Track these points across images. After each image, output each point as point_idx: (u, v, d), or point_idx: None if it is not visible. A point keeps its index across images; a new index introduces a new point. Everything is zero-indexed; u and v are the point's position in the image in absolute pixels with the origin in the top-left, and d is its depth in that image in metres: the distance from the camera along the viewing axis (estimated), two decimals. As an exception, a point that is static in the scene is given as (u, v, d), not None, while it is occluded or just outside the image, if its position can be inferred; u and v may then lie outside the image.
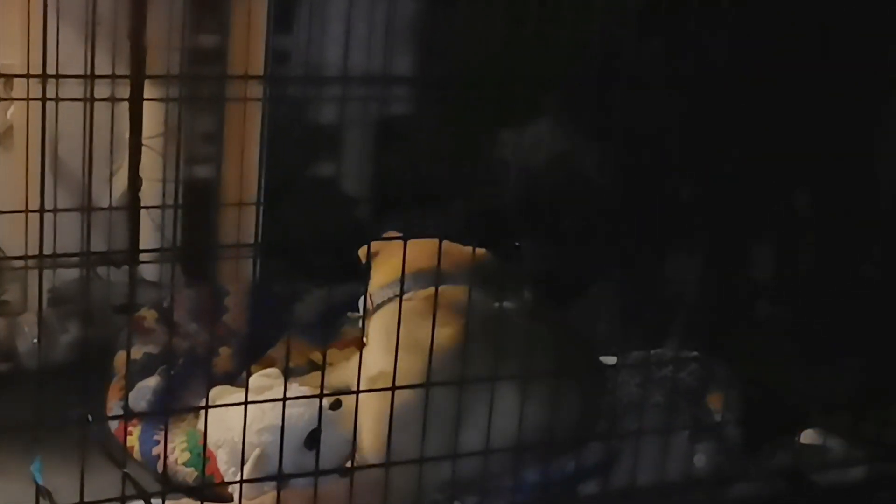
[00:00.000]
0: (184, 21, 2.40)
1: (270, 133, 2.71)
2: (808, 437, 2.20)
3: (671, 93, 2.33)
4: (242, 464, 1.85)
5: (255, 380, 2.03)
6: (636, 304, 2.55)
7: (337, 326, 2.45)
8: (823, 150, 2.51)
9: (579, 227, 2.55)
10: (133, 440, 2.08)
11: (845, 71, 2.19)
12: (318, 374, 1.94)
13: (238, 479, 1.86)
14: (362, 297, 2.08)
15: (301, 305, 2.53)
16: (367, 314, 2.06)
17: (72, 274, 2.42)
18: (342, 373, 2.18)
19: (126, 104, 2.53)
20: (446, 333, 1.87)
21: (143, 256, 2.60)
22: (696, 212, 2.45)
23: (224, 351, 2.37)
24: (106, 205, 2.44)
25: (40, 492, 1.77)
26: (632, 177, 2.51)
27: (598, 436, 2.03)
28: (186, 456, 2.01)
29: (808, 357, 2.40)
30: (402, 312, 1.79)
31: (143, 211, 2.63)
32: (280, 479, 1.76)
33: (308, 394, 1.92)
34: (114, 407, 2.18)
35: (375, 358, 1.92)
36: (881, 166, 2.60)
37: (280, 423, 1.75)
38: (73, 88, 1.68)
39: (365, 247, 2.09)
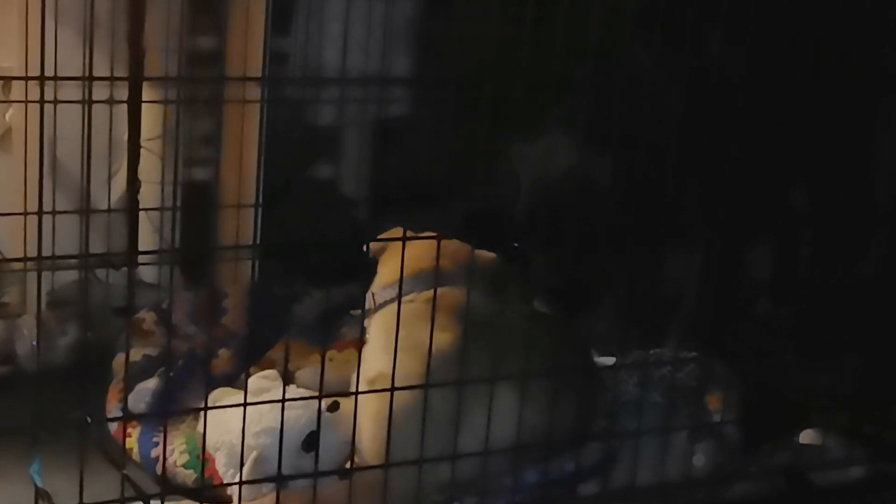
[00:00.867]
0: (182, 23, 2.40)
1: (269, 135, 2.71)
2: (807, 436, 2.20)
3: (669, 92, 2.33)
4: (241, 466, 1.86)
5: (252, 382, 2.03)
6: (635, 304, 2.55)
7: (336, 327, 2.45)
8: (822, 149, 2.51)
9: (578, 228, 2.55)
10: (132, 442, 2.08)
11: (844, 70, 2.19)
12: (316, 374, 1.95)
13: (237, 481, 1.86)
14: (368, 294, 2.07)
15: (300, 307, 2.53)
16: (368, 313, 2.05)
17: (71, 276, 2.42)
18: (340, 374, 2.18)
19: (124, 106, 2.52)
20: (445, 339, 1.86)
21: (141, 258, 2.59)
22: (695, 211, 2.46)
23: (223, 353, 2.37)
24: (104, 207, 2.43)
25: (40, 493, 1.77)
26: (630, 177, 2.51)
27: (597, 436, 2.02)
28: (185, 458, 2.02)
29: (807, 356, 2.40)
30: (403, 314, 1.79)
31: (141, 213, 2.62)
32: (279, 480, 1.76)
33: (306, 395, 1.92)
34: (113, 409, 2.18)
35: (374, 359, 1.91)
36: (880, 165, 2.60)
37: (277, 426, 1.75)
38: (72, 90, 1.68)
39: (377, 244, 2.07)
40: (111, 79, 2.11)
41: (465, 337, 1.85)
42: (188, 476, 1.99)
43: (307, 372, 2.26)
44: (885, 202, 2.53)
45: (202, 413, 1.98)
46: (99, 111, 1.69)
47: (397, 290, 1.97)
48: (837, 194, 2.61)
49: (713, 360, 2.17)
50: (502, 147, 2.74)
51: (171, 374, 2.16)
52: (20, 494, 1.84)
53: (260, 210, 2.71)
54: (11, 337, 2.46)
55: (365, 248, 2.07)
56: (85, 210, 1.69)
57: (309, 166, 2.98)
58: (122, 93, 2.47)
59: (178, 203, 2.22)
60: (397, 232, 1.90)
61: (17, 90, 2.46)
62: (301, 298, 2.54)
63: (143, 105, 2.56)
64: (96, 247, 2.12)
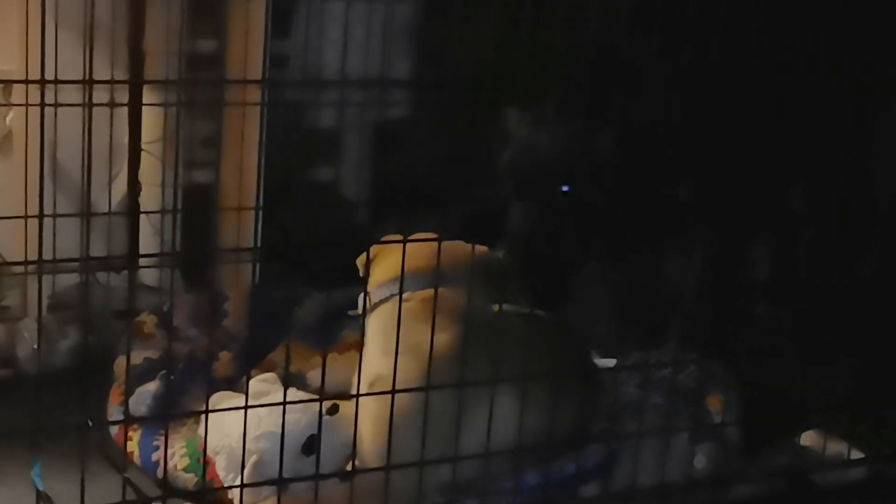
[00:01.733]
0: (182, 26, 2.41)
1: (269, 137, 2.71)
2: (807, 438, 2.20)
3: (668, 91, 2.33)
4: (242, 469, 1.86)
5: (252, 385, 2.02)
6: (635, 306, 2.55)
7: (337, 330, 2.45)
8: (821, 150, 2.52)
9: (578, 228, 2.55)
10: (133, 445, 2.08)
11: (843, 70, 2.19)
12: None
13: (237, 484, 1.86)
14: (361, 295, 2.07)
15: (300, 309, 2.53)
16: (365, 313, 2.05)
17: (71, 279, 2.42)
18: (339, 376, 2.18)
19: (125, 109, 2.54)
20: (442, 340, 1.84)
21: (142, 261, 2.60)
22: (695, 212, 2.46)
23: (224, 355, 2.37)
24: (105, 210, 2.44)
25: (41, 497, 1.78)
26: (630, 177, 2.51)
27: (597, 437, 2.03)
28: (186, 461, 2.01)
29: (807, 358, 2.40)
30: (399, 314, 1.78)
31: (142, 216, 2.63)
32: (280, 483, 1.76)
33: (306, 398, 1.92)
34: (114, 412, 2.18)
35: (372, 361, 1.91)
36: (879, 165, 2.60)
37: (276, 430, 1.74)
38: (72, 94, 1.68)
39: (363, 256, 2.06)
40: (112, 82, 2.11)
41: (464, 338, 1.85)
42: (189, 479, 1.99)
43: (319, 373, 2.24)
44: (885, 202, 2.53)
45: (203, 416, 1.98)
46: (99, 114, 1.69)
47: (392, 288, 1.96)
48: (837, 195, 2.61)
49: (713, 362, 2.17)
50: (498, 146, 2.74)
51: (172, 377, 2.16)
52: (21, 498, 1.84)
53: (260, 213, 2.71)
54: (12, 340, 2.46)
55: (359, 260, 2.07)
56: (86, 213, 1.70)
57: (309, 169, 2.98)
58: (123, 96, 2.48)
59: (179, 206, 2.23)
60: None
61: (17, 94, 2.46)
62: (302, 301, 2.54)
63: (144, 108, 2.57)
64: (97, 250, 2.13)
